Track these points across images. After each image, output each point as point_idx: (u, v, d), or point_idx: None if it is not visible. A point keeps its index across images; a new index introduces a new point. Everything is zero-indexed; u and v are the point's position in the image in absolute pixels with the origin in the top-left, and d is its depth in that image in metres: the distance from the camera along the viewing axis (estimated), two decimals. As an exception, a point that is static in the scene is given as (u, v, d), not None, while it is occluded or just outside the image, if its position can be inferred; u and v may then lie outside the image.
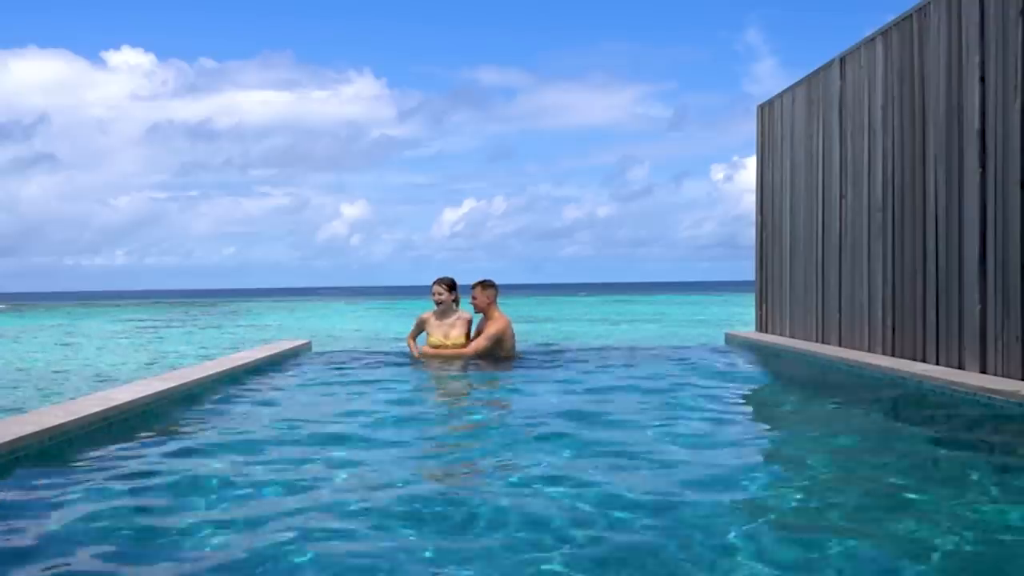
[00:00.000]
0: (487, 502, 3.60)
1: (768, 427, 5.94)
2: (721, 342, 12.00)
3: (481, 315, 8.83)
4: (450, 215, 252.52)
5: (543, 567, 2.91)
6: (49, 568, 2.92)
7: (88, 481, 3.96)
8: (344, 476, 4.09)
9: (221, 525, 3.33)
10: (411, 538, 3.18)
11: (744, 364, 9.06)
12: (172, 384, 6.25)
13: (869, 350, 8.38)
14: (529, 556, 3.00)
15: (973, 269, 6.73)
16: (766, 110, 11.52)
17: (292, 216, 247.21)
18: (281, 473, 4.14)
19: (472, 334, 8.76)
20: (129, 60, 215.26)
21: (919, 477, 4.18)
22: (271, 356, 8.89)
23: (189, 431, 5.21)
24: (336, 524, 3.34)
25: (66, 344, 18.82)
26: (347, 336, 19.89)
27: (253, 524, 3.34)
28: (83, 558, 3.03)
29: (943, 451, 4.79)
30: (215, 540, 3.18)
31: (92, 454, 4.45)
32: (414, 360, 8.80)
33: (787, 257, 10.73)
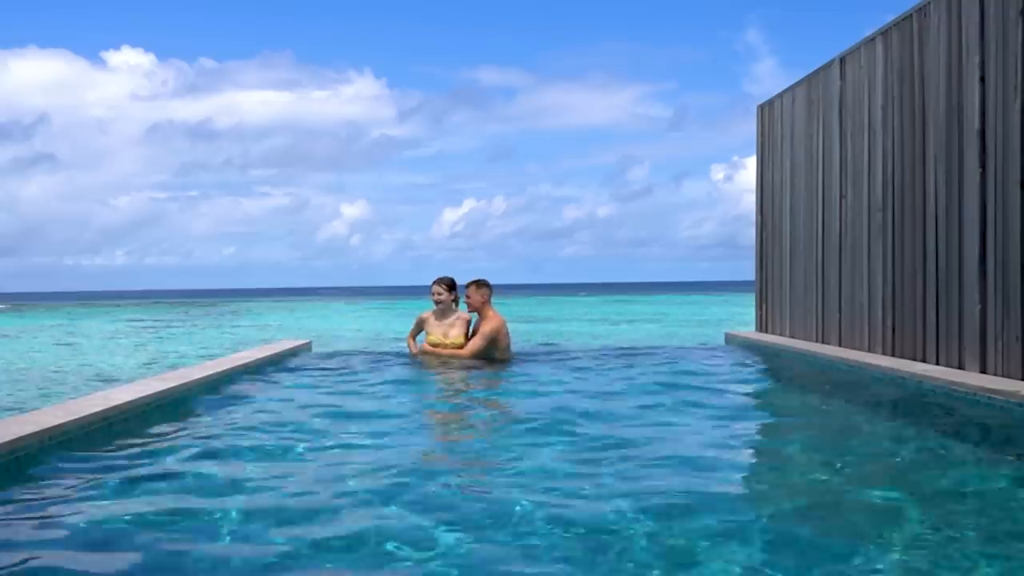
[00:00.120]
0: (486, 501, 3.60)
1: (768, 427, 5.94)
2: (721, 342, 12.00)
3: (477, 315, 8.85)
4: (450, 215, 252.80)
5: (541, 565, 2.91)
6: (48, 568, 2.92)
7: (88, 481, 3.96)
8: (344, 475, 4.09)
9: (221, 524, 3.33)
10: (410, 537, 3.18)
11: (744, 364, 9.06)
12: (172, 384, 6.25)
13: (869, 350, 8.38)
14: (529, 556, 3.00)
15: (973, 269, 6.73)
16: (766, 110, 11.52)
17: (292, 216, 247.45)
18: (281, 472, 4.14)
19: (469, 334, 8.77)
20: (129, 60, 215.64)
21: (919, 477, 4.18)
22: (271, 356, 8.89)
23: (189, 431, 5.20)
24: (336, 523, 3.34)
25: (66, 344, 18.82)
26: (347, 336, 19.89)
27: (254, 524, 3.34)
28: (83, 558, 3.03)
29: (943, 451, 4.79)
30: (215, 539, 3.18)
31: (92, 454, 4.45)
32: (413, 359, 8.84)
33: (787, 257, 10.73)
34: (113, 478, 4.01)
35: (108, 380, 10.33)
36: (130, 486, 3.89)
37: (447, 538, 3.19)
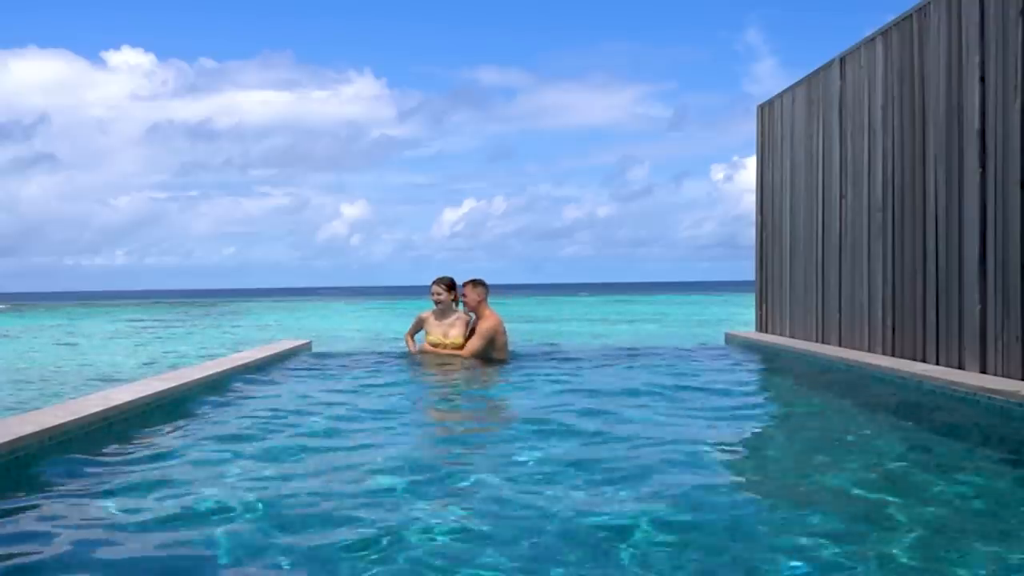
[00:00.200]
0: (486, 501, 3.60)
1: (767, 427, 5.94)
2: (721, 342, 12.00)
3: (474, 314, 8.89)
4: (450, 215, 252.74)
5: (540, 564, 2.91)
6: (49, 568, 2.92)
7: (88, 481, 3.96)
8: (344, 475, 4.09)
9: (221, 524, 3.33)
10: (410, 536, 3.18)
11: (744, 364, 9.06)
12: (172, 384, 6.25)
13: (869, 350, 8.38)
14: (529, 554, 3.01)
15: (973, 269, 6.73)
16: (766, 110, 11.53)
17: (292, 216, 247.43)
18: (281, 472, 4.14)
19: (468, 334, 8.79)
20: (129, 60, 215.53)
21: (919, 478, 4.18)
22: (271, 356, 8.90)
23: (189, 431, 5.20)
24: (337, 522, 3.34)
25: (66, 344, 18.82)
26: (347, 336, 19.89)
27: (254, 523, 3.34)
28: (83, 558, 3.03)
29: (943, 452, 4.79)
30: (215, 539, 3.18)
31: (92, 454, 4.45)
32: (412, 357, 8.88)
33: (787, 257, 10.73)
34: (113, 478, 4.01)
35: (108, 380, 10.33)
36: (130, 486, 3.89)
37: (447, 537, 3.19)
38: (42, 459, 4.24)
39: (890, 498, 3.73)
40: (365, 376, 7.99)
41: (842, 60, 9.10)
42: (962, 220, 6.88)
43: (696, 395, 6.63)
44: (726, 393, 6.88)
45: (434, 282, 8.73)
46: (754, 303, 11.94)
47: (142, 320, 32.25)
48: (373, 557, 2.99)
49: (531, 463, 4.30)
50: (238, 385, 7.09)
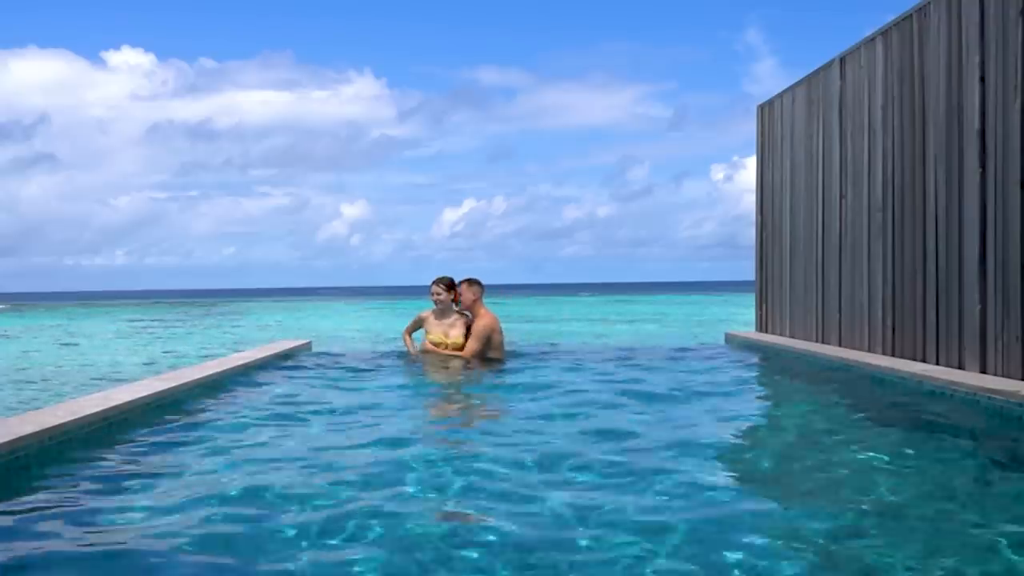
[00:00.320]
0: (485, 500, 3.60)
1: (767, 427, 5.94)
2: (721, 342, 12.01)
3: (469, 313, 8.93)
4: (450, 215, 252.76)
5: (539, 562, 2.91)
6: (49, 568, 2.92)
7: (88, 481, 3.96)
8: (344, 474, 4.09)
9: (222, 524, 3.34)
10: (411, 536, 3.19)
11: (744, 364, 9.06)
12: (172, 384, 6.25)
13: (869, 350, 8.39)
14: (527, 554, 3.01)
15: (973, 269, 6.73)
16: (766, 110, 11.53)
17: (292, 216, 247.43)
18: (281, 472, 4.14)
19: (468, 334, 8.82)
20: (129, 60, 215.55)
21: (918, 478, 4.18)
22: (271, 356, 8.90)
23: (189, 431, 5.20)
24: (337, 521, 3.34)
25: (66, 344, 18.82)
26: (347, 336, 19.89)
27: (254, 523, 3.34)
28: (83, 558, 3.03)
29: (943, 452, 4.79)
30: (215, 539, 3.18)
31: (92, 454, 4.45)
32: (410, 355, 8.92)
33: (787, 257, 10.73)
34: (113, 478, 4.01)
35: (108, 380, 10.33)
36: (130, 486, 3.90)
37: (447, 536, 3.19)
38: (42, 459, 4.24)
39: (890, 498, 3.74)
40: (365, 376, 8.00)
41: (842, 60, 9.10)
42: (962, 220, 6.88)
43: (696, 395, 6.63)
44: (726, 393, 6.88)
45: (434, 282, 8.77)
46: (754, 303, 11.94)
47: (142, 320, 32.25)
48: (373, 556, 2.99)
49: (531, 463, 4.30)
50: (238, 385, 7.09)
